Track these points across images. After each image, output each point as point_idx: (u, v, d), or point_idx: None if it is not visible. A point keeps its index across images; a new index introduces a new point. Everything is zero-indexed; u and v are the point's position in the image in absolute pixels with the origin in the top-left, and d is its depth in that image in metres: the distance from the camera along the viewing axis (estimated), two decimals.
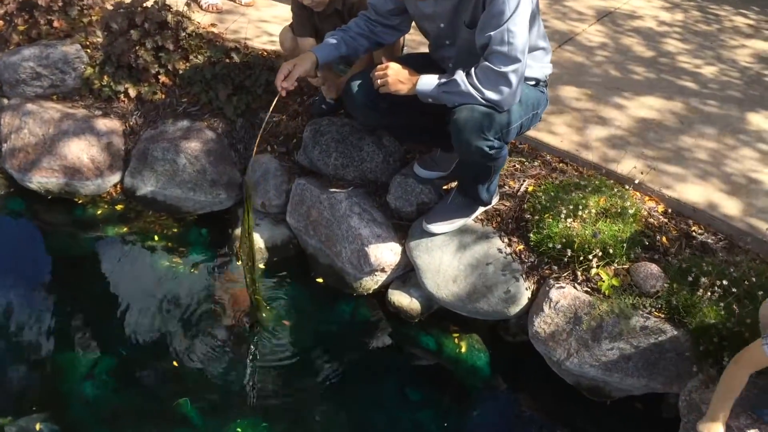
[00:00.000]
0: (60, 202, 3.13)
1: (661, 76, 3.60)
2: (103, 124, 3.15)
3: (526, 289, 2.49)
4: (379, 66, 2.23)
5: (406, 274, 2.76)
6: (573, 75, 3.52)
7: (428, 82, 2.17)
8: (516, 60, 2.07)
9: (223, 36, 3.50)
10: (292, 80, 2.33)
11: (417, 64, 2.32)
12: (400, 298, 2.70)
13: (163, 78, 3.25)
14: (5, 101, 3.25)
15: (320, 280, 2.86)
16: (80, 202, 3.13)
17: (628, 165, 2.82)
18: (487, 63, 2.09)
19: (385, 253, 2.66)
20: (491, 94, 2.11)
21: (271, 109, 2.43)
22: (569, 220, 2.48)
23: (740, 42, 4.15)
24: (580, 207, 2.51)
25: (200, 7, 3.72)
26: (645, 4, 4.60)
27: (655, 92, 3.43)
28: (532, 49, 2.25)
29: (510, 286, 2.49)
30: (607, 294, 2.36)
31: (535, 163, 2.86)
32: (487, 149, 2.21)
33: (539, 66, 2.34)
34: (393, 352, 2.64)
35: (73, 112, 3.16)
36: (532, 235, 2.54)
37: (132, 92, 3.23)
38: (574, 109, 3.21)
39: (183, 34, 3.32)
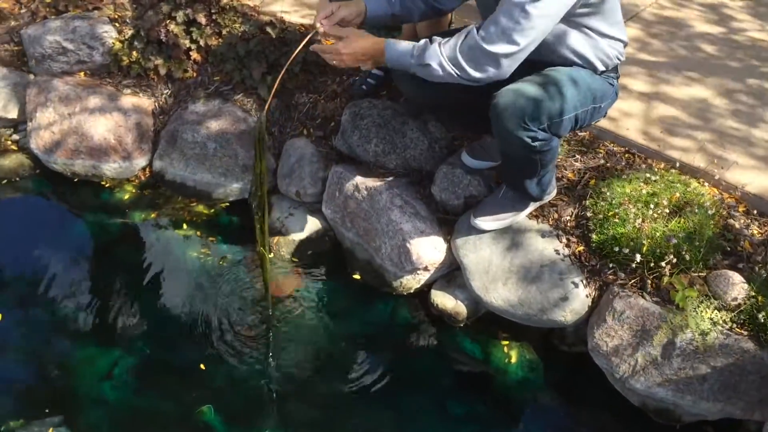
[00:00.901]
0: (86, 185, 2.97)
1: (737, 55, 3.24)
2: (132, 103, 2.97)
3: (587, 296, 2.23)
4: (326, 47, 1.98)
5: (452, 273, 2.52)
6: (638, 55, 3.19)
7: (398, 58, 1.91)
8: (515, 42, 1.78)
9: (258, 9, 3.27)
10: (334, 21, 2.02)
11: None
12: (444, 300, 2.46)
13: (194, 54, 3.04)
14: (31, 77, 3.09)
15: (357, 276, 2.64)
16: (107, 185, 2.97)
17: (703, 157, 2.50)
18: (477, 37, 1.80)
19: (429, 251, 2.42)
20: (474, 73, 1.83)
21: (299, 48, 2.10)
22: (638, 220, 2.19)
23: None
24: (651, 205, 2.23)
25: None
26: None
27: (731, 74, 3.07)
28: (600, 30, 1.96)
29: (568, 292, 2.22)
30: (680, 306, 2.08)
31: (598, 154, 2.57)
32: (529, 141, 1.94)
33: (609, 46, 2.04)
34: (434, 359, 2.41)
35: (101, 90, 2.98)
36: (594, 235, 2.27)
37: (162, 69, 3.03)
38: (641, 93, 2.89)
39: (216, 6, 3.10)
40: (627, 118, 2.71)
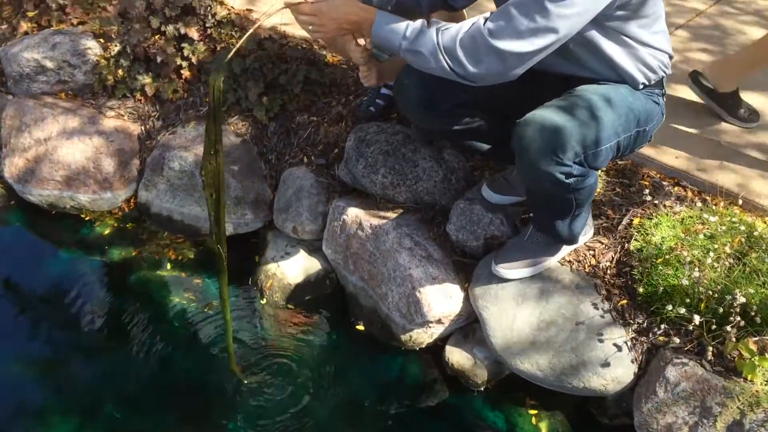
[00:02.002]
0: (65, 218, 2.67)
1: None
2: (114, 126, 2.67)
3: (632, 361, 1.85)
4: (303, 6, 1.63)
5: (469, 326, 2.16)
6: (685, 69, 2.80)
7: (387, 34, 1.57)
8: (527, 42, 1.46)
9: (257, 22, 2.95)
10: None
11: None
12: (461, 358, 2.10)
13: (185, 73, 2.74)
14: (9, 98, 2.82)
15: (361, 327, 2.29)
16: (87, 218, 2.67)
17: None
18: (483, 29, 1.48)
19: (442, 301, 2.07)
20: (471, 68, 1.50)
21: (258, 25, 1.77)
22: (694, 270, 1.82)
23: None
24: (710, 252, 1.85)
25: None
26: None
27: None
28: (639, 38, 1.61)
29: (609, 356, 1.85)
30: (749, 378, 1.69)
31: (642, 186, 2.19)
32: (562, 177, 1.59)
33: (650, 55, 1.67)
34: (449, 428, 2.04)
35: (81, 112, 2.69)
36: (640, 287, 1.89)
37: (149, 90, 2.73)
38: (693, 112, 2.51)
39: (211, 20, 2.81)
40: (675, 142, 2.34)
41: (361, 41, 1.93)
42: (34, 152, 2.61)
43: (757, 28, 3.17)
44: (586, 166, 1.60)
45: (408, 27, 1.55)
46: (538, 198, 1.81)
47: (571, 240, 1.94)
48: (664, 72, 1.74)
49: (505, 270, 1.99)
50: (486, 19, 1.49)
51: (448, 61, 1.51)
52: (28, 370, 2.16)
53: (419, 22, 1.55)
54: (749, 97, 2.51)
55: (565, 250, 2.02)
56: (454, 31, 1.51)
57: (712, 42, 3.01)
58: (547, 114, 1.56)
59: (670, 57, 1.75)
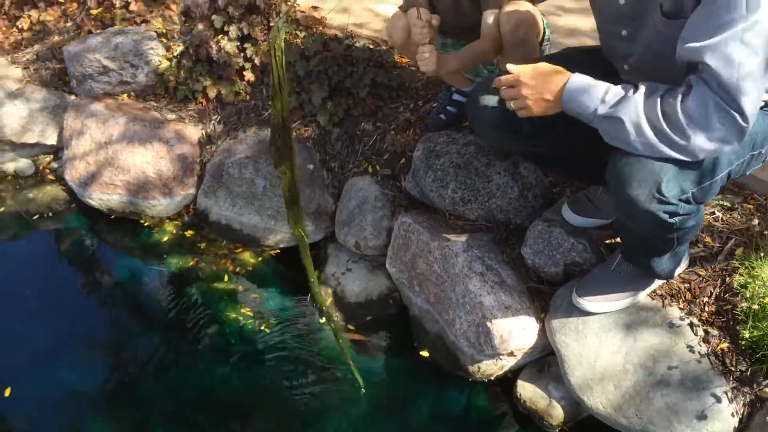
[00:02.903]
0: (124, 222, 2.63)
1: None
2: (175, 131, 2.60)
3: (733, 414, 1.63)
4: (505, 78, 1.44)
5: (544, 360, 1.98)
6: None
7: (580, 99, 1.37)
8: (746, 91, 1.23)
9: (324, 21, 2.82)
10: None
11: (574, 62, 1.51)
12: (534, 395, 1.92)
13: (248, 75, 2.64)
14: (71, 98, 2.78)
15: (425, 353, 2.14)
16: (146, 223, 2.61)
17: None
18: (710, 92, 1.25)
19: (516, 332, 1.90)
20: (703, 142, 1.28)
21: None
22: None
23: None
24: None
25: None
26: None
27: None
28: None
29: (705, 407, 1.64)
30: None
31: (746, 211, 1.96)
32: (666, 217, 1.39)
33: None
34: None
35: (142, 116, 2.63)
36: (744, 330, 1.67)
37: (211, 92, 2.64)
38: None
39: (275, 18, 2.69)
40: None
41: (425, 15, 1.78)
42: (95, 156, 2.56)
43: None
44: (694, 203, 1.40)
45: (608, 90, 1.35)
46: (634, 235, 1.61)
47: (667, 276, 1.73)
48: None
49: (587, 302, 1.79)
50: (701, 78, 1.28)
51: (667, 135, 1.30)
52: (84, 375, 2.10)
53: (619, 87, 1.35)
54: None
55: (657, 284, 1.81)
56: (672, 96, 1.29)
57: None
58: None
59: None
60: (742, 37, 1.21)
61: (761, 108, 1.50)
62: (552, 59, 1.57)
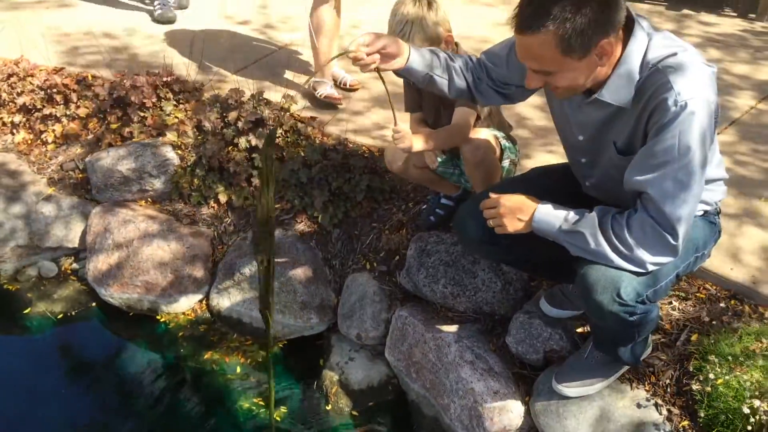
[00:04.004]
0: (141, 319, 2.85)
1: None
2: (190, 232, 2.87)
3: None
4: (488, 201, 1.75)
5: None
6: (739, 169, 2.87)
7: (547, 220, 1.68)
8: (681, 221, 1.56)
9: (322, 130, 3.16)
10: (375, 48, 1.71)
11: (539, 186, 1.83)
12: None
13: (255, 181, 2.93)
14: (94, 205, 3.05)
15: None
16: (162, 319, 2.84)
17: None
18: (648, 217, 1.57)
19: (504, 415, 2.13)
20: (645, 256, 1.59)
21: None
22: (755, 393, 1.85)
23: None
24: None
25: (318, 96, 3.36)
26: None
27: None
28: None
29: None
30: None
31: (699, 300, 2.25)
32: (626, 316, 1.67)
33: (709, 191, 1.77)
34: None
35: (160, 219, 2.90)
36: (701, 410, 1.93)
37: (222, 197, 2.93)
38: (750, 219, 2.57)
39: (279, 130, 3.01)
40: (731, 252, 2.39)
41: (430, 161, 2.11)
42: (116, 257, 2.82)
43: None
44: (649, 303, 1.68)
45: (570, 212, 1.66)
46: (600, 328, 1.89)
47: (632, 363, 2.00)
48: (721, 197, 1.83)
49: (566, 389, 2.04)
50: (643, 207, 1.58)
51: (613, 253, 1.60)
52: None
53: (578, 210, 1.66)
54: None
55: (625, 368, 2.07)
56: (616, 222, 1.60)
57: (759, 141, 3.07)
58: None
59: (725, 180, 1.84)
60: (675, 175, 1.53)
61: (700, 215, 1.81)
62: (521, 182, 1.89)
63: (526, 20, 1.49)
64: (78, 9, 4.35)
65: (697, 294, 2.28)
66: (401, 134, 2.08)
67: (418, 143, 2.14)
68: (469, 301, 2.38)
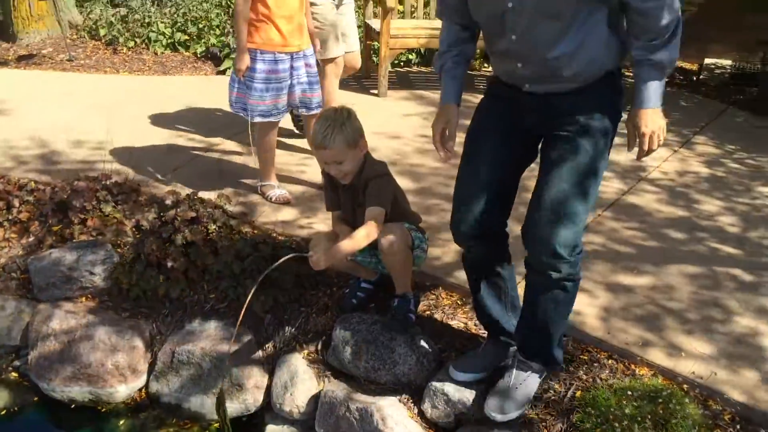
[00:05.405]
0: (83, 410, 3.00)
1: (702, 239, 3.41)
2: (129, 326, 3.08)
3: None
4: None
5: None
6: (616, 246, 3.35)
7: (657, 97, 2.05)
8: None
9: (253, 225, 3.48)
10: (453, 137, 2.27)
11: (489, 142, 2.28)
12: None
13: (191, 275, 3.20)
14: (36, 305, 3.22)
15: None
16: (103, 409, 3.00)
17: (685, 360, 2.57)
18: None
19: None
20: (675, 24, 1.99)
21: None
22: None
23: None
24: (636, 423, 2.25)
25: (269, 199, 3.76)
26: (679, 165, 4.49)
27: (709, 263, 3.22)
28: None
29: None
30: None
31: (582, 360, 2.63)
32: (567, 269, 2.16)
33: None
34: None
35: (100, 315, 3.10)
36: None
37: (160, 291, 3.17)
38: (624, 290, 3.02)
39: (213, 227, 3.31)
40: (607, 318, 2.81)
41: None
42: (57, 352, 2.98)
43: (671, 208, 3.78)
44: (580, 250, 2.17)
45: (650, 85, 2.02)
46: (536, 320, 2.31)
47: (557, 363, 2.45)
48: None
49: (503, 415, 2.36)
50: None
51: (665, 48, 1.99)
52: None
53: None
54: None
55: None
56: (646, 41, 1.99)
57: (630, 219, 3.59)
58: (547, 227, 2.09)
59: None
60: None
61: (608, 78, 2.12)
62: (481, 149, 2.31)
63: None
64: (18, 115, 4.59)
65: (581, 356, 2.67)
66: (315, 259, 2.51)
67: (335, 256, 2.53)
68: (388, 373, 2.69)
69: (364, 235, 2.53)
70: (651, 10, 1.92)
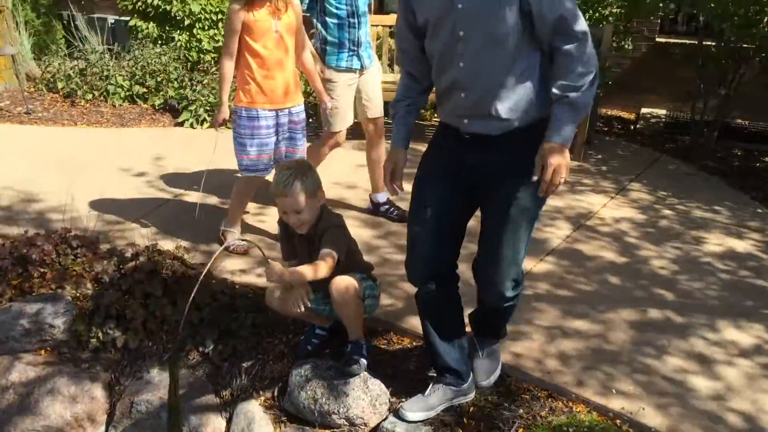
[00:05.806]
0: None
1: (642, 284, 3.66)
2: (89, 377, 3.14)
3: None
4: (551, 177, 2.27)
5: None
6: (557, 290, 3.57)
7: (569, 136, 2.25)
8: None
9: (212, 274, 3.60)
10: (400, 177, 2.59)
11: (434, 190, 2.54)
12: None
13: (150, 325, 3.29)
14: None
15: None
16: None
17: (617, 400, 2.77)
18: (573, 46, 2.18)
19: None
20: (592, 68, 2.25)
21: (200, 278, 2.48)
22: None
23: (718, 242, 4.27)
24: None
25: (227, 247, 3.86)
26: (616, 211, 4.80)
27: (639, 304, 3.46)
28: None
29: None
30: None
31: (524, 400, 2.81)
32: (511, 293, 2.59)
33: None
34: None
35: (60, 368, 3.16)
36: None
37: (119, 342, 3.25)
38: (562, 332, 3.22)
39: (171, 278, 3.42)
40: (546, 358, 3.00)
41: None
42: (16, 406, 3.02)
43: (613, 254, 4.04)
44: (522, 280, 2.59)
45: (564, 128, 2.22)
46: (488, 320, 2.83)
47: (505, 333, 2.96)
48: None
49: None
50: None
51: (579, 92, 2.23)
52: None
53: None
54: None
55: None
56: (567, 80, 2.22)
57: (574, 265, 3.82)
58: (495, 268, 2.46)
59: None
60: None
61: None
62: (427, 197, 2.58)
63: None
64: None
65: (523, 395, 2.84)
66: (270, 269, 2.61)
67: (289, 276, 2.66)
68: (342, 417, 2.81)
69: (323, 266, 2.68)
70: (573, 50, 2.18)
